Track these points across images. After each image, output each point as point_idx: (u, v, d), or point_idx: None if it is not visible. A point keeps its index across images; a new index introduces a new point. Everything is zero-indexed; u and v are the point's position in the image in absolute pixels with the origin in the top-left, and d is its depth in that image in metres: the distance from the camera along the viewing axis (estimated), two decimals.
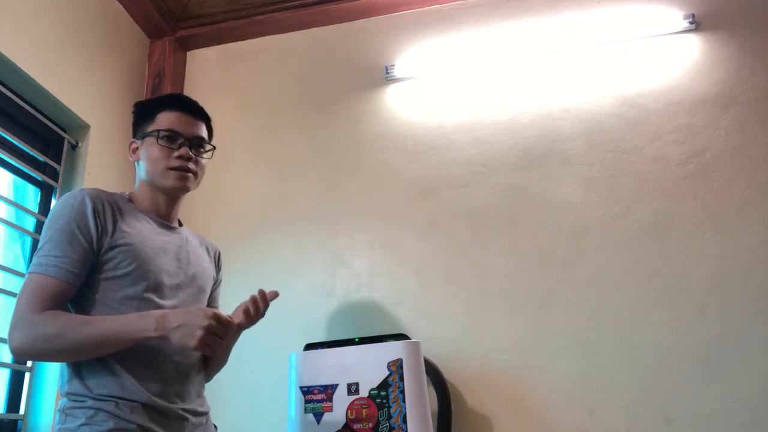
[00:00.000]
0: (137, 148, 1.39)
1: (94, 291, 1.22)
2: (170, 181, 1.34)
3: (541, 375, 1.95)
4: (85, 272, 1.21)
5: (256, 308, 1.31)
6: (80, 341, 1.13)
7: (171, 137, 1.35)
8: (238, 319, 1.31)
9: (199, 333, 1.12)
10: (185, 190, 1.38)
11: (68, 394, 1.19)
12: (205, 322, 1.13)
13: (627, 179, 2.08)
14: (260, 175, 2.42)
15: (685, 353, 1.87)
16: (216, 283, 1.51)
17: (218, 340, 1.15)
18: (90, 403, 1.16)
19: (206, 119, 1.44)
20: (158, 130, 1.34)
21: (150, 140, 1.35)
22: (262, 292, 1.32)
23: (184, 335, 1.13)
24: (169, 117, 1.36)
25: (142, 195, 1.38)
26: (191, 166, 1.35)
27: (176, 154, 1.34)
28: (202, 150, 1.40)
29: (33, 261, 1.19)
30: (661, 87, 2.15)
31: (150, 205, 1.37)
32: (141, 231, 1.29)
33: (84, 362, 1.19)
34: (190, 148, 1.36)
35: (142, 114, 1.40)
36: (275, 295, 1.34)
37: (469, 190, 2.20)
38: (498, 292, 2.06)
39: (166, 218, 1.39)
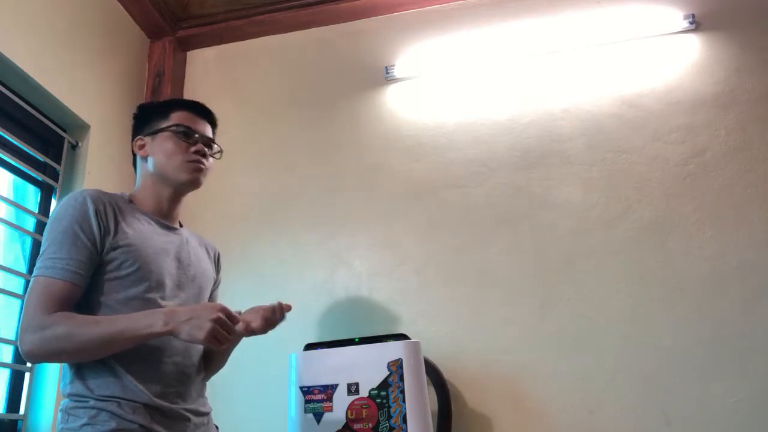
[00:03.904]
0: (144, 145, 1.40)
1: (96, 292, 1.23)
2: (186, 174, 1.37)
3: (541, 375, 1.95)
4: (90, 273, 1.21)
5: (273, 318, 1.34)
6: (90, 340, 1.13)
7: (188, 133, 1.39)
8: (254, 322, 1.32)
9: (208, 325, 1.13)
10: (197, 184, 1.40)
11: (70, 395, 1.19)
12: (214, 315, 1.14)
13: (627, 179, 2.08)
14: (260, 175, 2.42)
15: (685, 353, 1.87)
16: (215, 284, 1.52)
17: (226, 334, 1.15)
18: (92, 403, 1.16)
19: (214, 124, 1.50)
20: (178, 125, 1.38)
21: (165, 135, 1.38)
22: (280, 304, 1.36)
23: (193, 328, 1.13)
24: (184, 115, 1.41)
25: (145, 193, 1.39)
26: (205, 161, 1.40)
27: (193, 149, 1.38)
28: (211, 150, 1.44)
29: (37, 264, 1.20)
30: (661, 87, 2.15)
31: (152, 203, 1.38)
32: (142, 232, 1.29)
33: (86, 363, 1.19)
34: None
35: (152, 113, 1.43)
36: (289, 308, 1.38)
37: (469, 190, 2.20)
38: (498, 292, 2.06)
39: (167, 218, 1.40)
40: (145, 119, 1.43)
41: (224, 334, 1.15)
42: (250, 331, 1.33)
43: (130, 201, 1.36)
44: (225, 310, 1.16)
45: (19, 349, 1.15)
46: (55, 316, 1.14)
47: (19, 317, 1.18)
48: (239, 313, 1.24)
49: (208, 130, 1.45)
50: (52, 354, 1.17)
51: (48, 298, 1.15)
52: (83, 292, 1.21)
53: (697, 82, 2.13)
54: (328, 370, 1.76)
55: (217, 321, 1.13)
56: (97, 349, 1.15)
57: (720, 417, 1.80)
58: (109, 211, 1.26)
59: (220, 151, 1.48)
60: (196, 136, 1.40)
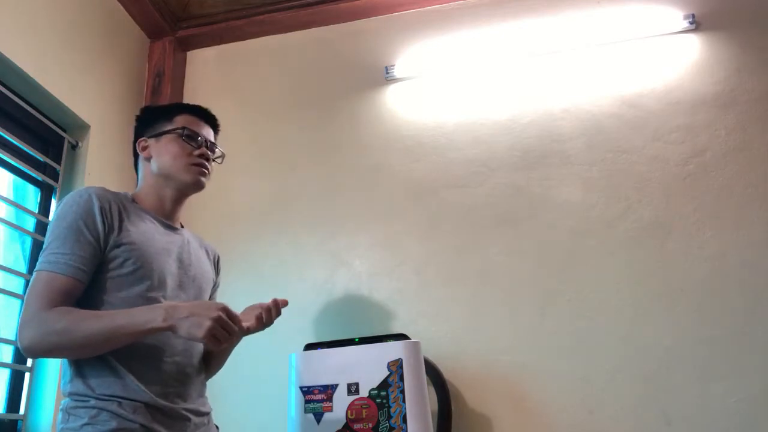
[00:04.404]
0: (148, 146, 1.42)
1: (98, 290, 1.23)
2: (190, 175, 1.39)
3: (541, 375, 1.95)
4: (92, 269, 1.21)
5: (269, 317, 1.32)
6: (89, 335, 1.13)
7: (192, 136, 1.41)
8: (248, 321, 1.31)
9: (208, 324, 1.12)
10: (200, 186, 1.42)
11: (71, 394, 1.19)
12: (215, 314, 1.13)
13: (627, 179, 2.08)
14: (260, 175, 2.42)
15: (685, 353, 1.87)
16: (215, 286, 1.52)
17: (226, 334, 1.15)
18: (93, 402, 1.16)
19: (217, 129, 1.52)
20: (184, 128, 1.40)
21: (170, 137, 1.40)
22: (275, 302, 1.33)
23: (193, 325, 1.12)
24: (189, 119, 1.43)
25: (147, 194, 1.40)
26: (209, 165, 1.42)
27: (197, 152, 1.40)
28: (213, 154, 1.47)
29: (40, 259, 1.20)
30: (661, 87, 2.15)
31: (155, 203, 1.39)
32: (145, 231, 1.30)
33: (86, 362, 1.19)
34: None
35: (156, 115, 1.45)
36: (285, 303, 1.35)
37: (469, 190, 2.20)
38: (498, 292, 2.06)
39: (169, 218, 1.41)
40: (149, 121, 1.45)
41: (224, 333, 1.14)
42: (246, 330, 1.33)
43: (133, 201, 1.36)
44: (226, 310, 1.15)
45: (18, 344, 1.15)
46: (55, 311, 1.13)
47: (20, 314, 1.17)
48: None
49: (211, 135, 1.48)
50: (52, 349, 1.17)
51: (49, 293, 1.15)
52: (85, 289, 1.21)
53: (697, 82, 2.13)
54: (328, 370, 1.76)
55: (217, 320, 1.13)
56: (97, 344, 1.15)
57: (720, 417, 1.80)
58: (114, 208, 1.26)
59: (222, 156, 1.50)
60: (200, 139, 1.42)
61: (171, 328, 1.14)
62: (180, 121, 1.42)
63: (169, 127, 1.41)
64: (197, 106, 1.48)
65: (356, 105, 2.42)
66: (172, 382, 1.25)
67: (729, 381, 1.82)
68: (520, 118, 2.24)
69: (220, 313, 1.14)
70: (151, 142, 1.41)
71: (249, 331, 1.33)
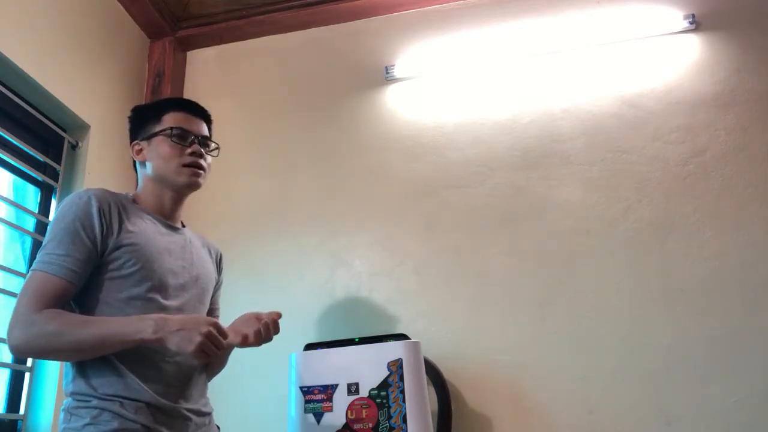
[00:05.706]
0: (141, 150, 1.40)
1: (98, 291, 1.23)
2: (184, 177, 1.36)
3: (541, 375, 1.95)
4: (87, 272, 1.21)
5: (267, 333, 1.28)
6: (78, 341, 1.13)
7: (182, 135, 1.37)
8: (239, 333, 1.26)
9: (198, 339, 1.13)
10: (197, 186, 1.39)
11: (73, 394, 1.19)
12: (205, 329, 1.14)
13: (627, 179, 2.08)
14: (260, 176, 2.42)
15: (685, 353, 1.87)
16: (217, 285, 1.52)
17: (215, 349, 1.15)
18: (95, 402, 1.16)
19: (209, 121, 1.48)
20: (171, 128, 1.37)
21: (160, 139, 1.37)
22: (276, 321, 1.29)
23: (183, 340, 1.13)
24: (177, 117, 1.39)
25: (148, 195, 1.39)
26: (203, 162, 1.38)
27: (189, 150, 1.37)
28: (208, 149, 1.43)
29: (36, 258, 1.20)
30: (661, 87, 2.15)
31: (155, 204, 1.38)
32: (146, 231, 1.29)
33: (89, 362, 1.19)
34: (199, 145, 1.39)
35: (145, 116, 1.42)
36: (279, 316, 1.32)
37: (469, 190, 2.20)
38: (498, 292, 2.06)
39: (170, 218, 1.40)
40: (140, 123, 1.42)
41: (213, 348, 1.15)
42: (238, 344, 1.30)
43: (134, 201, 1.36)
44: (216, 325, 1.16)
45: (7, 343, 1.14)
46: (44, 313, 1.13)
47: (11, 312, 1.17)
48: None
49: (204, 129, 1.43)
50: (40, 352, 1.18)
51: (41, 295, 1.15)
52: (78, 291, 1.21)
53: (697, 82, 2.13)
54: (328, 370, 1.76)
55: (207, 335, 1.13)
56: (86, 350, 1.15)
57: (720, 417, 1.80)
58: (114, 210, 1.26)
59: (217, 148, 1.46)
60: (192, 137, 1.38)
61: (160, 341, 1.14)
62: (168, 120, 1.38)
63: (158, 128, 1.38)
64: (185, 101, 1.44)
65: (356, 105, 2.42)
66: (174, 382, 1.25)
67: (729, 381, 1.82)
68: (520, 118, 2.24)
69: (210, 328, 1.14)
70: (144, 144, 1.39)
71: (242, 346, 1.27)
